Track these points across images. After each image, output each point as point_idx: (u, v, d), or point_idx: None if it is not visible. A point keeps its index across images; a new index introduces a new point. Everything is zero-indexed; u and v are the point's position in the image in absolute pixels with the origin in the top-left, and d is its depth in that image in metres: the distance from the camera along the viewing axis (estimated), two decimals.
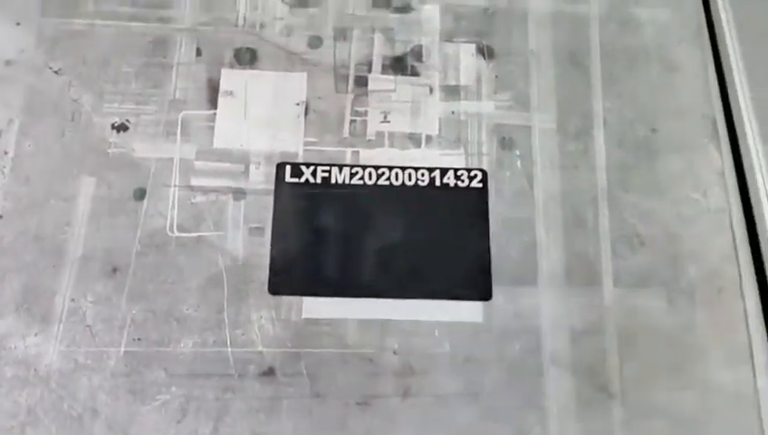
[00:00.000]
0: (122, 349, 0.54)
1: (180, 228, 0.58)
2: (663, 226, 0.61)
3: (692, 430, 0.55)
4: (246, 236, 0.58)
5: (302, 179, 0.60)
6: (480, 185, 0.61)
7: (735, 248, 0.60)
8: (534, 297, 0.58)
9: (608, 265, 0.59)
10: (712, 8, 0.69)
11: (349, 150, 0.62)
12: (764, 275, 0.59)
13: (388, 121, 0.63)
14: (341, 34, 0.66)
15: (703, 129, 0.64)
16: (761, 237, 0.60)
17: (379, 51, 0.65)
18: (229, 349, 0.55)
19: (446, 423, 0.55)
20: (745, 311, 0.59)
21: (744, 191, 0.62)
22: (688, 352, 0.57)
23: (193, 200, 0.59)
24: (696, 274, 0.60)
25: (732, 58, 0.65)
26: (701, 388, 0.56)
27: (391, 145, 0.62)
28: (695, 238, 0.61)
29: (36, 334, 0.55)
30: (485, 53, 0.66)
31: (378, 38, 0.66)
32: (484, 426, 0.55)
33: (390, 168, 0.61)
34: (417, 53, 0.66)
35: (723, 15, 0.67)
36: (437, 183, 0.61)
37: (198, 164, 0.60)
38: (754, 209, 0.61)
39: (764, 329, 0.58)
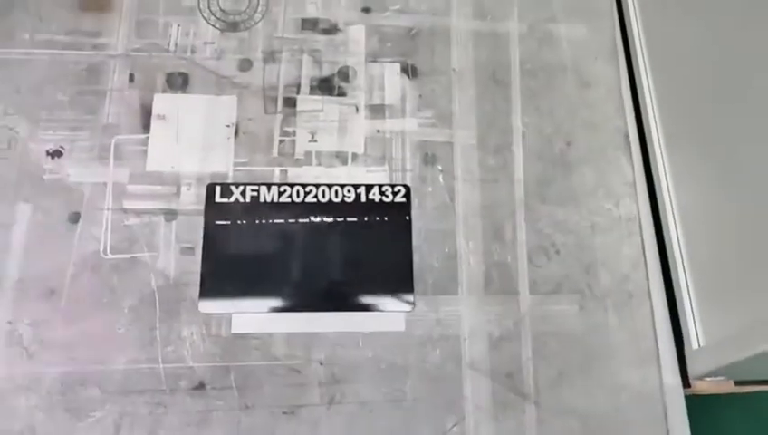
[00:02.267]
0: (58, 369, 0.57)
1: (114, 250, 0.60)
2: (577, 235, 0.64)
3: (602, 427, 0.59)
4: (178, 256, 0.61)
5: (232, 199, 0.63)
6: (404, 199, 0.64)
7: (644, 255, 0.64)
8: (455, 305, 0.61)
9: (524, 273, 0.63)
10: (627, 27, 0.73)
11: (277, 169, 0.64)
12: (671, 280, 0.63)
13: (316, 141, 0.66)
14: (271, 57, 0.68)
15: (615, 142, 0.68)
16: (667, 244, 0.63)
17: (307, 72, 0.68)
18: (161, 365, 0.58)
19: (369, 428, 0.58)
20: (653, 314, 0.62)
21: (654, 199, 0.66)
22: (599, 355, 0.61)
23: (126, 223, 0.61)
24: (607, 280, 0.63)
25: (643, 75, 0.69)
26: (610, 388, 0.60)
27: (319, 163, 0.65)
28: (607, 246, 0.64)
29: None
30: (409, 72, 0.69)
31: (306, 60, 0.68)
32: (406, 430, 0.58)
33: (317, 185, 0.64)
34: (344, 74, 0.68)
35: (636, 34, 0.71)
36: (363, 199, 0.64)
37: (131, 187, 0.63)
38: (661, 218, 0.64)
39: (671, 330, 0.62)
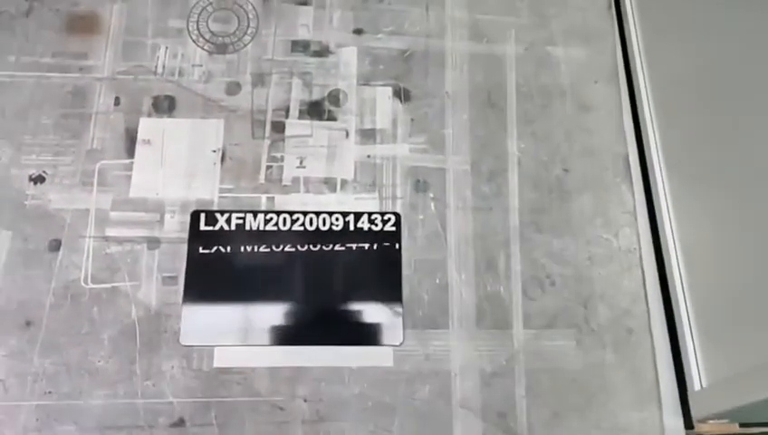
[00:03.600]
0: (34, 402, 0.55)
1: (94, 279, 0.59)
2: (574, 266, 0.62)
3: None
4: (160, 286, 0.59)
5: (217, 227, 0.61)
6: (394, 228, 0.62)
7: (645, 288, 0.61)
8: (445, 340, 0.59)
9: (518, 306, 0.60)
10: (627, 49, 0.70)
11: (264, 196, 0.63)
12: (673, 315, 0.60)
13: (304, 166, 0.64)
14: (260, 80, 0.67)
15: (615, 168, 0.65)
16: (669, 278, 0.61)
17: (297, 96, 0.66)
18: (140, 400, 0.56)
19: None
20: (654, 351, 0.59)
21: (656, 230, 0.63)
22: (596, 394, 0.58)
23: (107, 251, 0.60)
24: (605, 314, 0.60)
25: (644, 98, 0.66)
26: (608, 430, 0.57)
27: (307, 190, 0.63)
28: (605, 279, 0.61)
29: None
30: (402, 95, 0.67)
31: (296, 83, 0.67)
32: None
33: (305, 213, 0.62)
34: (335, 98, 0.67)
35: (637, 56, 0.68)
36: (351, 227, 0.62)
37: (114, 214, 0.61)
38: (663, 249, 0.62)
39: (673, 369, 0.59)
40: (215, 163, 0.63)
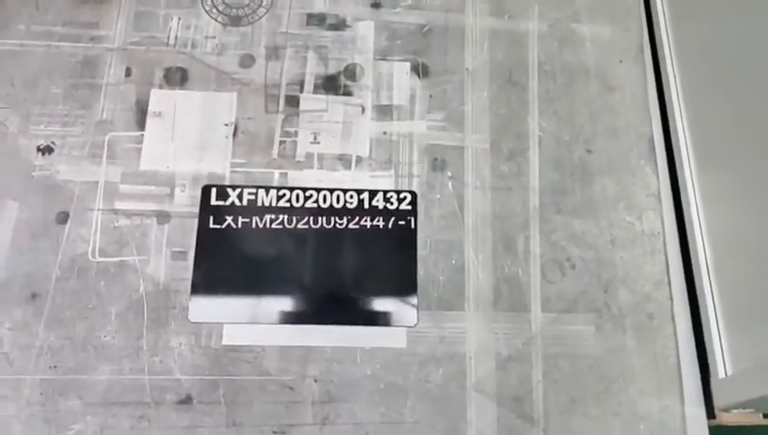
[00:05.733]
0: (38, 377, 0.54)
1: (102, 253, 0.57)
2: (595, 249, 0.60)
3: None
4: (169, 261, 0.57)
5: (228, 202, 0.59)
6: (409, 207, 0.60)
7: (668, 274, 0.59)
8: (461, 322, 0.57)
9: (536, 289, 0.58)
10: (654, 27, 0.68)
11: (277, 172, 0.61)
12: (697, 301, 0.58)
13: (319, 142, 0.62)
14: (274, 53, 0.65)
15: (639, 150, 0.63)
16: (693, 263, 0.59)
17: (312, 70, 0.64)
18: (146, 376, 0.54)
19: None
20: (676, 337, 0.57)
21: (680, 214, 0.61)
22: (615, 380, 0.56)
23: (116, 224, 0.58)
24: (626, 299, 0.58)
25: (671, 78, 0.64)
26: (627, 417, 0.55)
27: (320, 167, 0.61)
28: (627, 263, 0.59)
29: None
30: (420, 71, 0.65)
31: (311, 57, 0.65)
32: None
33: (318, 189, 0.60)
34: (351, 72, 0.65)
35: (664, 35, 0.66)
36: (366, 205, 0.60)
37: (123, 187, 0.60)
38: (687, 233, 0.59)
39: (695, 356, 0.57)
40: (227, 137, 0.62)
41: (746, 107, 0.55)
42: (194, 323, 0.56)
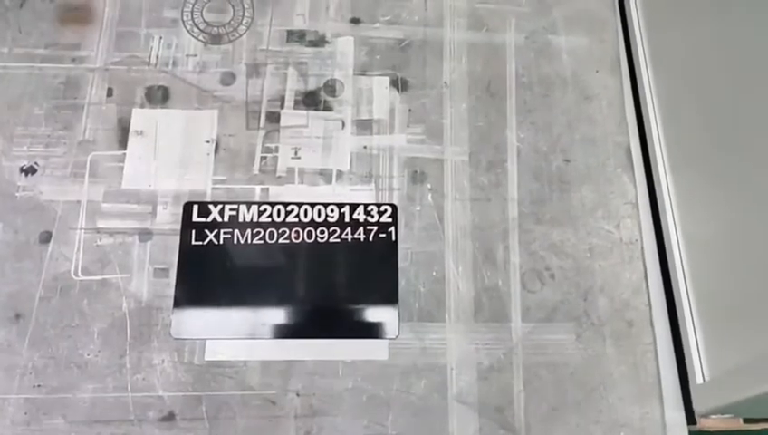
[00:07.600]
0: (23, 396, 0.54)
1: (85, 271, 0.58)
2: (574, 258, 0.60)
3: None
4: (151, 278, 0.58)
5: (210, 218, 0.60)
6: (390, 220, 0.61)
7: (646, 281, 0.60)
8: (442, 333, 0.58)
9: (516, 299, 0.59)
10: (630, 37, 0.69)
11: (258, 187, 0.62)
12: (675, 308, 0.59)
13: (299, 157, 0.63)
14: (255, 70, 0.66)
15: (617, 159, 0.64)
16: (671, 270, 0.59)
17: (293, 86, 0.65)
18: (130, 394, 0.55)
19: None
20: (655, 344, 0.58)
21: (658, 221, 0.62)
22: (596, 388, 0.57)
23: (99, 243, 0.59)
24: (605, 307, 0.59)
25: (647, 88, 0.65)
26: (608, 425, 0.55)
27: (302, 181, 0.62)
28: (606, 271, 0.60)
29: None
30: (399, 85, 0.66)
31: (291, 73, 0.66)
32: None
33: (299, 204, 0.61)
34: (331, 88, 0.65)
35: (640, 45, 0.66)
36: (347, 218, 0.61)
37: (106, 206, 0.60)
38: (665, 240, 0.60)
39: (675, 363, 0.58)
40: (208, 154, 0.62)
41: (720, 116, 0.56)
42: (176, 339, 0.56)
